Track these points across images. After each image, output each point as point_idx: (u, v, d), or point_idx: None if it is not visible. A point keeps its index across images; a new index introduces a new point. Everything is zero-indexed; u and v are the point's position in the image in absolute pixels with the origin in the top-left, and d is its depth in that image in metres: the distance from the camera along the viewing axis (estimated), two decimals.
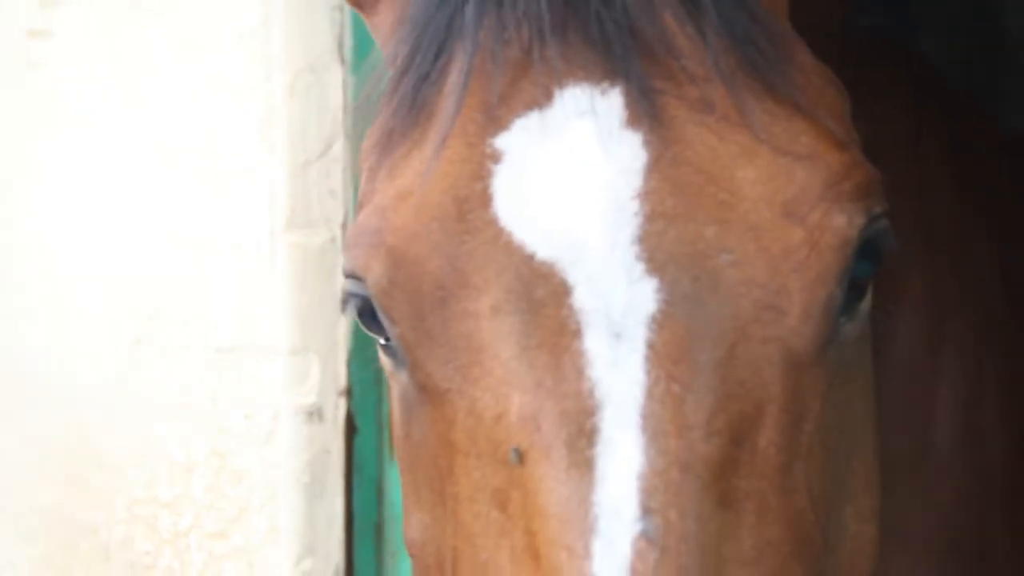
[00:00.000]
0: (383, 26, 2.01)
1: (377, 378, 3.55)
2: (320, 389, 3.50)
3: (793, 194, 1.73)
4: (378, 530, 3.59)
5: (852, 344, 1.80)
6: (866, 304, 1.81)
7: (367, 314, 1.84)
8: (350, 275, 1.84)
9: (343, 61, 3.51)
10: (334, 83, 3.49)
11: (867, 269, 1.77)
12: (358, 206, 1.92)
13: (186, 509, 3.64)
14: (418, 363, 1.78)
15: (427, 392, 1.79)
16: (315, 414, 3.50)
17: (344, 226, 3.51)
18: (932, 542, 2.71)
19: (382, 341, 1.85)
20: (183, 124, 3.66)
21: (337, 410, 3.52)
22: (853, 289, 1.77)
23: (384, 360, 1.90)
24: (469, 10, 1.80)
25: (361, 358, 3.51)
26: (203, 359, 3.57)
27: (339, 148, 3.50)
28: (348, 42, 3.52)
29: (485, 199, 1.75)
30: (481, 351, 1.73)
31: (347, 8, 3.48)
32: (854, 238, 1.73)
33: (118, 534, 3.75)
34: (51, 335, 3.86)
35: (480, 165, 1.76)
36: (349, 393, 3.52)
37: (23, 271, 3.95)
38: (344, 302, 1.88)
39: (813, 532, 1.70)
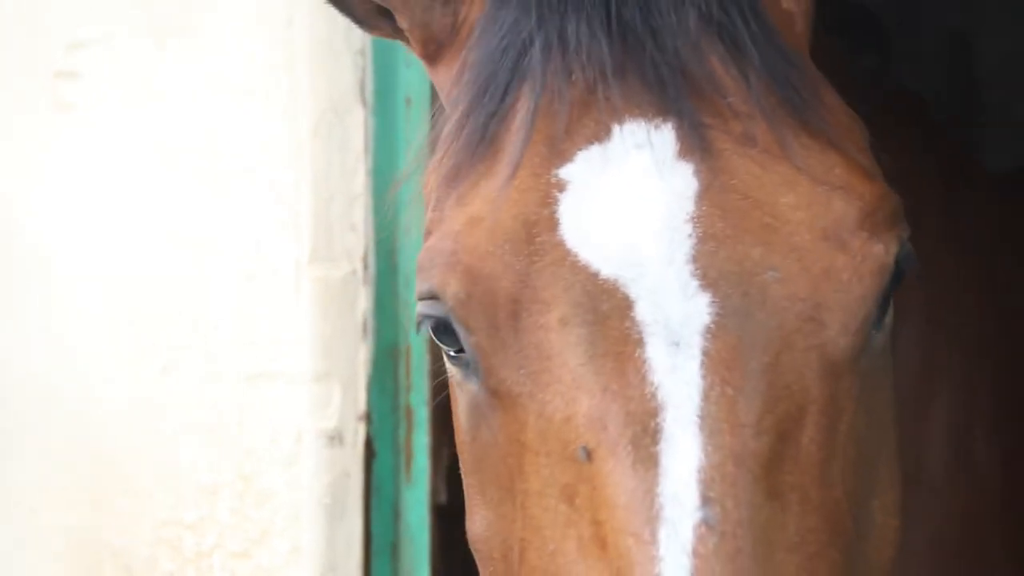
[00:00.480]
0: (446, 74, 2.19)
1: (394, 405, 3.70)
2: (341, 415, 3.63)
3: (832, 220, 1.92)
4: (394, 550, 3.71)
5: (879, 353, 1.99)
6: (890, 316, 2.01)
7: (441, 329, 2.01)
8: (425, 297, 2.01)
9: (364, 103, 3.65)
10: (356, 124, 3.64)
11: (893, 285, 1.97)
12: (425, 233, 2.08)
13: (210, 530, 3.76)
14: (492, 370, 1.95)
15: (499, 397, 1.96)
16: (336, 438, 3.62)
17: (364, 259, 3.66)
18: (924, 560, 2.88)
19: (452, 352, 2.02)
20: (208, 162, 3.81)
21: (357, 435, 3.65)
22: (882, 304, 1.96)
23: (452, 371, 2.07)
24: (535, 53, 1.98)
25: (379, 386, 3.66)
26: (230, 385, 3.71)
27: (360, 185, 3.65)
28: (370, 85, 3.66)
29: (552, 223, 1.93)
30: (551, 359, 1.90)
31: (369, 52, 3.65)
32: (891, 265, 1.93)
33: (142, 555, 3.87)
34: (80, 361, 3.97)
35: (547, 193, 1.94)
36: (368, 419, 3.65)
37: (52, 300, 4.07)
38: (419, 323, 2.04)
39: (846, 522, 1.89)
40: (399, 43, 2.35)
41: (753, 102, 1.95)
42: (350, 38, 3.62)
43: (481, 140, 2.01)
